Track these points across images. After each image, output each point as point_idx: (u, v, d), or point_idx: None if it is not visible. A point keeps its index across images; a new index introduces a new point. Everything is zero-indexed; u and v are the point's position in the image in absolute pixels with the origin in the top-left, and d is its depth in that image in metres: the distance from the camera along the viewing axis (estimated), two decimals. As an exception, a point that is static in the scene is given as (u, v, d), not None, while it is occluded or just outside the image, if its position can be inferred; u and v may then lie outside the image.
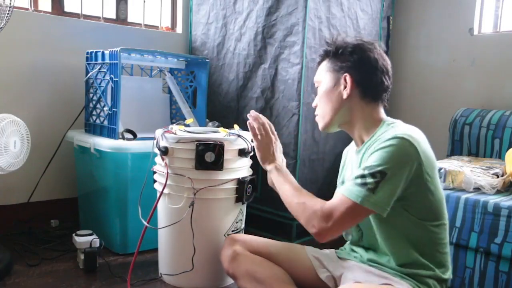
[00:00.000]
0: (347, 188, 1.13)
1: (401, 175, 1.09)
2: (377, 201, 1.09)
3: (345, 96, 1.25)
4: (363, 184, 1.10)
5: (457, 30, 2.58)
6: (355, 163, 1.27)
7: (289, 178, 1.33)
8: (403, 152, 1.10)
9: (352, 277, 1.23)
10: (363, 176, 1.11)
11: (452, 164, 1.87)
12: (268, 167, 1.38)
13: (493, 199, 1.64)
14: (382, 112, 1.27)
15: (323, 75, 1.30)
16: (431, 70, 2.70)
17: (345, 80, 1.24)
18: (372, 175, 1.09)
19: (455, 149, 2.31)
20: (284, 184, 1.31)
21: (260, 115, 1.41)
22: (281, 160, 1.40)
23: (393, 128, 1.18)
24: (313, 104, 1.35)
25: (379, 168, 1.09)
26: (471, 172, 1.80)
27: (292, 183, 1.30)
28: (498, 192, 1.75)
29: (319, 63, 1.33)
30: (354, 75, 1.24)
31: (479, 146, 2.21)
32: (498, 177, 1.77)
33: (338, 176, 1.45)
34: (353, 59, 1.24)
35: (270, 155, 1.38)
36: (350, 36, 1.30)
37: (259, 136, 1.38)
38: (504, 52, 2.39)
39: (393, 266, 1.19)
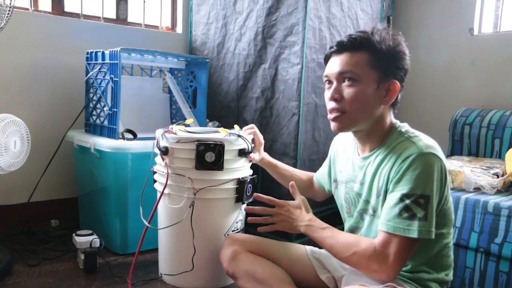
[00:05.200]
0: (394, 226, 1.06)
1: (439, 192, 1.08)
2: (430, 226, 1.05)
3: (387, 103, 1.15)
4: (412, 216, 1.04)
5: (457, 30, 2.58)
6: (360, 168, 1.23)
7: (320, 233, 1.20)
8: (436, 169, 1.06)
9: (357, 280, 1.21)
10: (407, 208, 1.05)
11: (452, 164, 1.87)
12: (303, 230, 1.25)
13: (493, 199, 1.64)
14: (392, 114, 1.22)
15: (365, 71, 1.12)
16: (431, 70, 2.70)
17: (390, 87, 1.14)
18: (416, 202, 1.04)
19: (455, 149, 2.31)
20: (323, 243, 1.20)
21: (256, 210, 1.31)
22: (300, 216, 1.26)
23: (411, 140, 1.12)
24: (334, 96, 1.15)
25: (420, 193, 1.04)
26: (471, 172, 1.80)
27: (327, 237, 1.19)
28: (498, 192, 1.75)
29: (351, 49, 1.14)
30: (400, 83, 1.15)
31: (479, 146, 2.21)
32: (498, 177, 1.77)
33: (326, 169, 1.44)
34: (403, 66, 1.15)
35: (293, 224, 1.26)
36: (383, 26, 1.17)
37: (276, 224, 1.29)
38: (504, 52, 2.39)
39: None
